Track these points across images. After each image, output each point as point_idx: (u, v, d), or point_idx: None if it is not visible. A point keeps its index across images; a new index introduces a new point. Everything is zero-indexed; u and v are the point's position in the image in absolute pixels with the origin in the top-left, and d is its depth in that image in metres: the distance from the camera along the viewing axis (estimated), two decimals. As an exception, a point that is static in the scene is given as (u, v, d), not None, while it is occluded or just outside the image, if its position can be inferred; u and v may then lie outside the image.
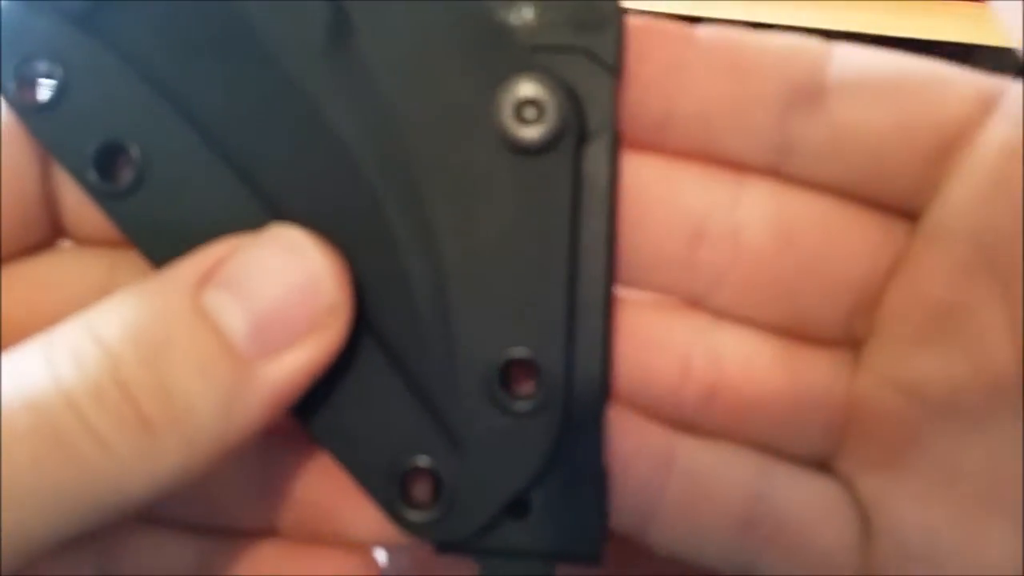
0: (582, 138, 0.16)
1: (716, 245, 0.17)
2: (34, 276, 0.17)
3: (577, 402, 0.16)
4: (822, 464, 0.17)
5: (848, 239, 0.16)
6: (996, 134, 0.15)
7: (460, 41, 0.15)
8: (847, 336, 0.17)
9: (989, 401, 0.15)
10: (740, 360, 0.17)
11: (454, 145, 0.16)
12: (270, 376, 0.14)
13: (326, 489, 0.17)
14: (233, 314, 0.14)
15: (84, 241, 0.17)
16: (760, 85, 0.16)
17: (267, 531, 0.18)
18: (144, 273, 0.16)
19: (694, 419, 0.17)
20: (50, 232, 0.17)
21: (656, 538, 0.17)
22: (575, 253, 0.16)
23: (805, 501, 0.17)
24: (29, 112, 0.16)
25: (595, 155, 0.16)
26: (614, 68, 0.16)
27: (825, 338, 0.17)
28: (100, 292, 0.15)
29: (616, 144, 0.16)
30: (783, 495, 0.17)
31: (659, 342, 0.17)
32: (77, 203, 0.17)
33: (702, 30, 0.16)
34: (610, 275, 0.16)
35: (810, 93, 0.15)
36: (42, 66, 0.16)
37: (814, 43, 0.16)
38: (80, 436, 0.13)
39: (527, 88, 0.15)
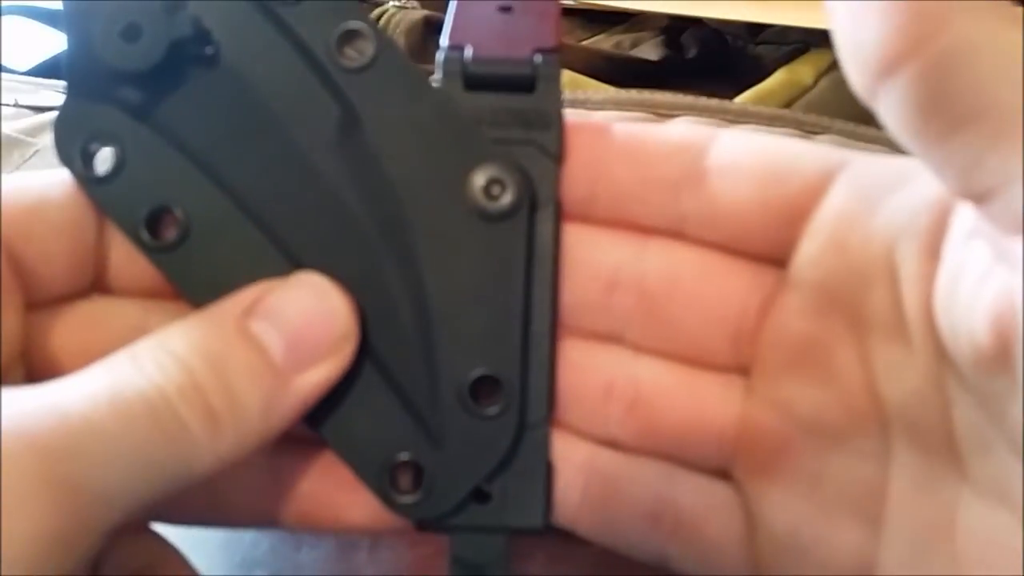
0: (533, 208, 0.20)
1: (626, 291, 0.21)
2: (83, 315, 0.20)
3: (529, 410, 0.20)
4: (723, 472, 0.21)
5: (725, 284, 0.20)
6: (835, 200, 0.19)
7: (442, 134, 0.20)
8: (737, 364, 0.20)
9: (846, 421, 0.19)
10: (651, 384, 0.21)
11: (437, 212, 0.20)
12: (300, 385, 0.18)
13: (325, 483, 0.21)
14: (272, 337, 0.18)
15: (121, 292, 0.21)
16: (658, 170, 0.20)
17: (271, 520, 0.21)
18: (175, 316, 0.19)
19: (617, 434, 0.21)
20: (93, 281, 0.21)
21: (583, 531, 0.21)
22: (528, 295, 0.20)
23: (701, 502, 0.20)
24: (91, 183, 0.20)
25: (543, 221, 0.20)
26: (556, 156, 0.20)
27: (719, 365, 0.21)
28: (138, 332, 0.18)
29: (559, 213, 0.21)
30: (683, 497, 0.20)
31: (587, 369, 0.21)
32: (122, 259, 0.20)
33: (617, 127, 0.21)
34: (555, 312, 0.21)
35: (694, 175, 0.20)
36: (103, 146, 0.20)
37: (702, 132, 0.20)
38: (171, 420, 0.17)
39: (492, 171, 0.20)
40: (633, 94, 0.47)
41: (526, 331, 0.20)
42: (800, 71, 0.48)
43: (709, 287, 0.20)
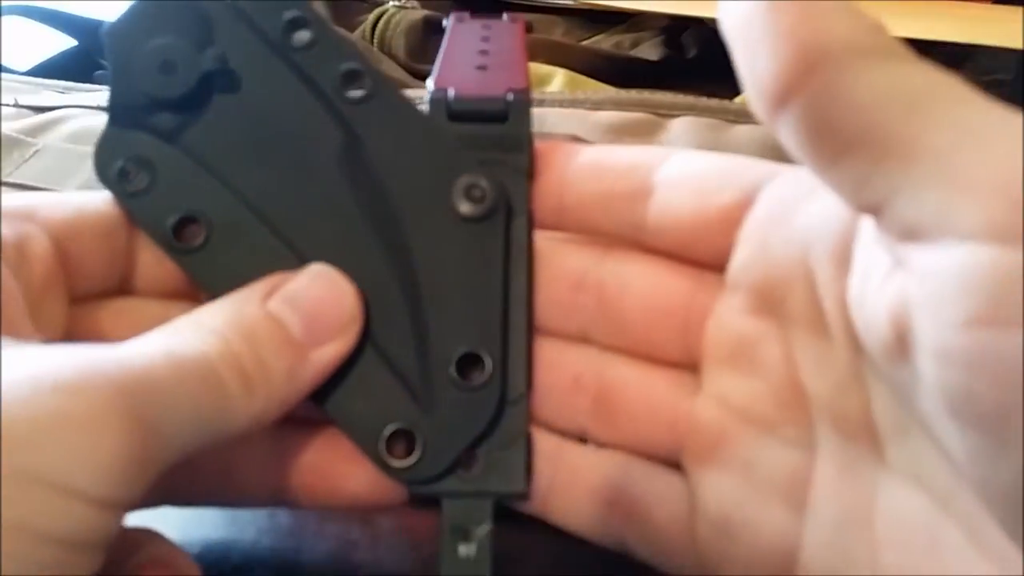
0: (509, 215, 0.23)
1: (589, 293, 0.23)
2: (112, 310, 0.23)
3: (510, 386, 0.23)
4: (674, 463, 0.22)
5: (672, 288, 0.23)
6: (760, 209, 0.21)
7: (430, 152, 0.23)
8: (688, 361, 0.22)
9: (775, 411, 0.20)
10: (614, 378, 0.23)
11: (426, 216, 0.23)
12: (317, 359, 0.21)
13: (326, 457, 0.23)
14: (291, 317, 0.21)
15: (145, 293, 0.24)
16: (616, 184, 0.23)
17: (276, 494, 0.23)
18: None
19: (585, 425, 0.23)
20: (121, 283, 0.23)
21: (551, 516, 0.23)
22: (507, 286, 0.23)
23: (651, 490, 0.22)
24: (125, 196, 0.23)
25: (518, 226, 0.23)
26: (528, 173, 0.24)
27: (672, 362, 0.23)
28: (163, 323, 0.20)
29: (531, 221, 0.24)
30: (636, 486, 0.22)
31: (557, 364, 0.23)
32: (148, 263, 0.23)
33: (584, 148, 0.23)
34: (530, 305, 0.23)
35: (646, 189, 0.22)
36: (133, 166, 0.23)
37: (656, 152, 0.23)
38: (214, 380, 0.19)
39: (472, 179, 0.23)
40: (633, 94, 0.47)
41: (505, 317, 0.23)
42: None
43: (657, 290, 0.23)
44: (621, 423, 0.23)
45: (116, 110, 0.23)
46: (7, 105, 0.39)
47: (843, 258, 0.18)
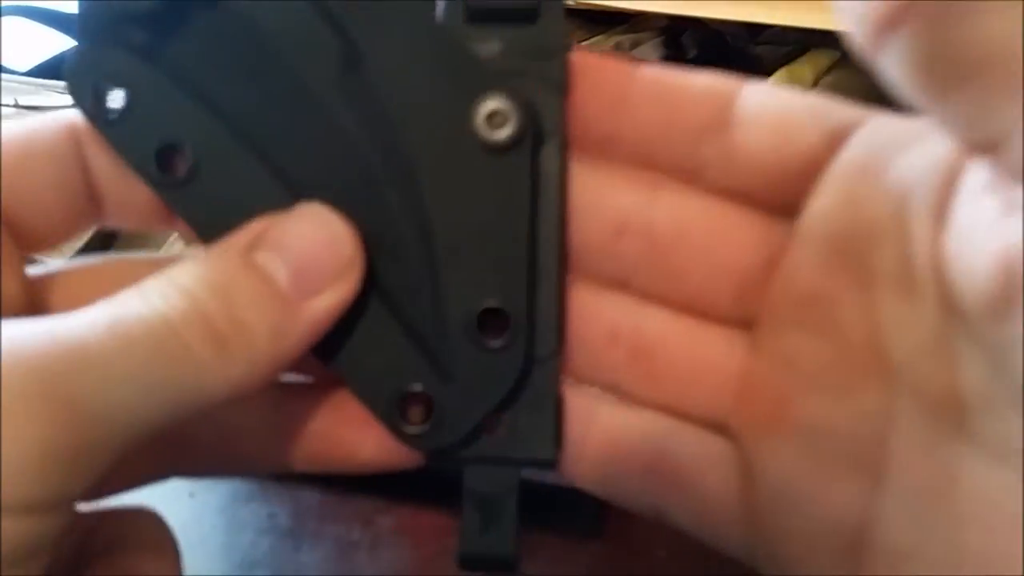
0: (538, 141, 0.20)
1: (635, 237, 0.21)
2: (90, 275, 0.21)
3: (538, 343, 0.20)
4: (720, 426, 0.21)
5: (735, 236, 0.20)
6: (848, 155, 0.19)
7: (444, 67, 0.20)
8: (740, 317, 0.20)
9: (850, 376, 0.19)
10: (655, 332, 0.21)
11: (440, 145, 0.20)
12: (308, 312, 0.19)
13: (334, 422, 0.21)
14: (278, 267, 0.19)
15: (122, 221, 0.22)
16: (684, 114, 0.20)
17: (280, 462, 0.22)
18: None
19: (620, 381, 0.21)
20: (94, 217, 0.21)
21: (582, 481, 0.21)
22: (535, 227, 0.20)
23: (698, 454, 0.20)
24: (102, 123, 0.20)
25: (549, 154, 0.20)
26: (562, 87, 0.20)
27: (722, 318, 0.21)
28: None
29: (565, 146, 0.20)
30: (681, 449, 0.21)
31: (593, 313, 0.21)
32: (116, 191, 0.21)
33: (642, 68, 0.20)
34: (563, 248, 0.20)
35: (719, 122, 0.20)
36: (111, 88, 0.20)
37: (729, 82, 0.20)
38: (176, 345, 0.17)
39: (495, 102, 0.20)
40: (633, 94, 0.47)
41: (533, 265, 0.20)
42: (800, 71, 0.48)
43: (718, 238, 0.20)
44: (662, 381, 0.21)
45: (88, 25, 0.20)
46: (7, 105, 0.39)
47: (941, 212, 0.17)
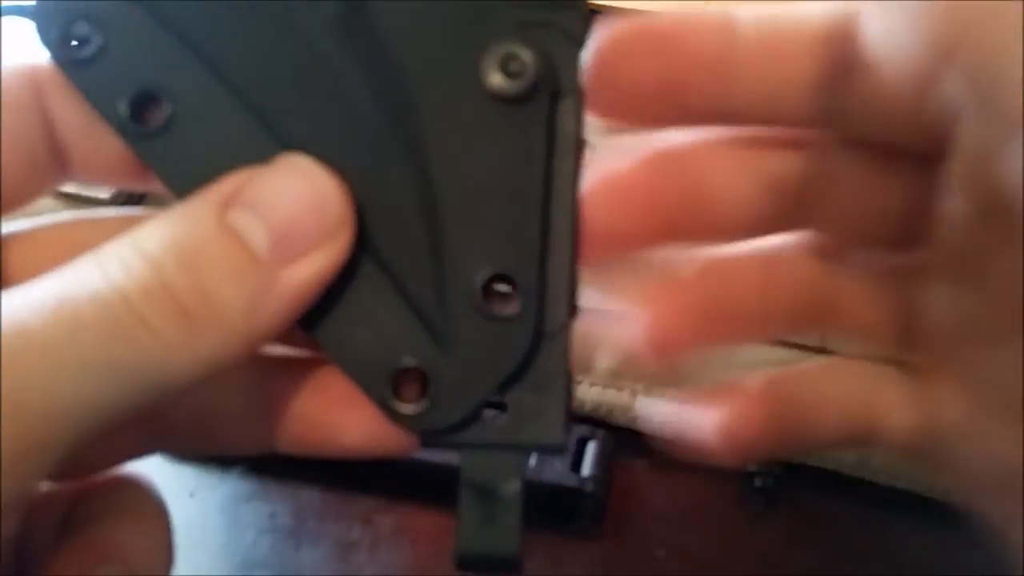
0: (555, 94, 0.18)
1: (785, 198, 0.19)
2: (60, 237, 0.19)
3: (548, 316, 0.18)
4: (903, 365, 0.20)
5: (879, 187, 0.19)
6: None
7: (453, 10, 0.18)
8: (894, 268, 0.20)
9: (1010, 324, 0.17)
10: (833, 286, 0.20)
11: (447, 95, 0.18)
12: (289, 280, 0.17)
13: (319, 404, 0.19)
14: (255, 229, 0.17)
15: (89, 177, 0.20)
16: (797, 71, 0.18)
17: (262, 444, 0.20)
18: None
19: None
20: (59, 173, 0.19)
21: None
22: (548, 188, 0.18)
23: (885, 393, 0.19)
24: (70, 66, 0.18)
25: (566, 109, 0.18)
26: (580, 39, 0.18)
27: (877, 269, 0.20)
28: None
29: (582, 101, 0.18)
30: (881, 395, 0.19)
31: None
32: (82, 144, 0.19)
33: (741, 23, 0.18)
34: (577, 208, 0.18)
35: (839, 73, 0.18)
36: (83, 27, 0.18)
37: (844, 17, 0.18)
38: (134, 324, 0.15)
39: (508, 47, 0.18)
40: (633, 94, 0.47)
41: (545, 229, 0.18)
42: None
43: (863, 190, 0.19)
44: (846, 322, 0.20)
45: None
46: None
47: None
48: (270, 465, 0.30)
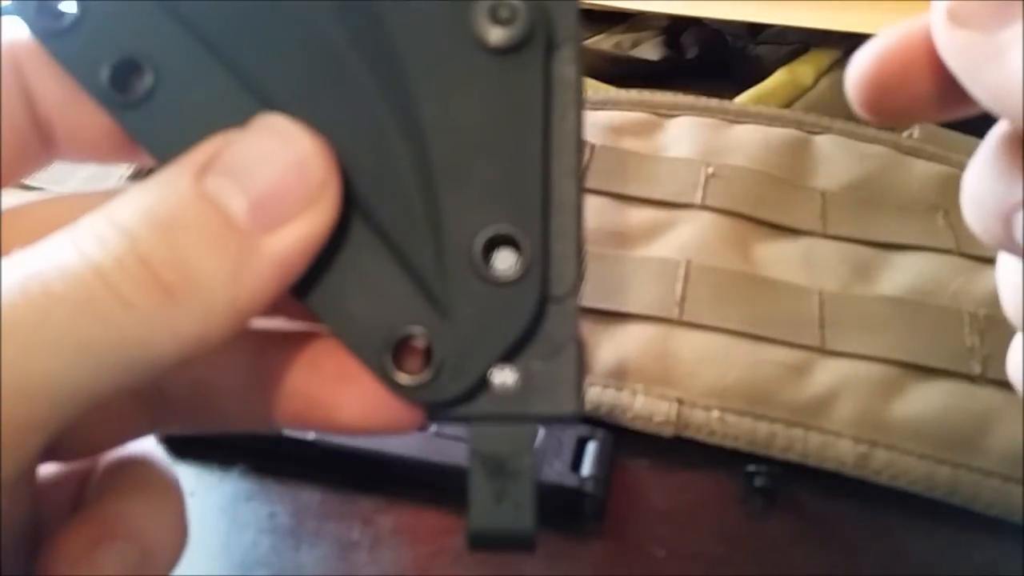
0: (550, 42, 0.18)
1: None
2: (44, 214, 0.19)
3: (553, 278, 0.18)
4: None
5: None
6: None
7: None
8: None
9: None
10: None
11: (436, 46, 0.17)
12: (272, 248, 0.16)
13: (315, 380, 0.18)
14: (233, 196, 0.16)
15: (77, 154, 0.19)
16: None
17: (260, 422, 0.19)
18: None
19: None
20: (44, 152, 0.19)
21: None
22: (548, 142, 0.18)
23: None
24: (48, 36, 0.17)
25: (563, 58, 0.18)
26: None
27: None
28: None
29: (580, 53, 0.18)
30: None
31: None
32: (67, 119, 0.18)
33: (934, 28, 0.17)
34: (580, 164, 0.18)
35: None
36: None
37: None
38: (108, 298, 0.15)
39: None
40: (633, 94, 0.47)
41: (546, 183, 0.18)
42: (800, 71, 0.48)
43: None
44: None
45: None
46: (7, 105, 0.39)
47: None
48: (270, 465, 0.30)
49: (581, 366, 0.18)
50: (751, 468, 0.30)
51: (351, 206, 0.17)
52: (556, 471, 0.29)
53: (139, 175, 0.38)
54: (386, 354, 0.17)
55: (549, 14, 0.18)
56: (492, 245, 0.17)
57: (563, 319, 0.18)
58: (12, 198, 0.19)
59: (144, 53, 0.17)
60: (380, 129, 0.18)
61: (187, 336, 0.15)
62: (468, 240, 0.17)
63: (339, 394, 0.18)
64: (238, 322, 0.16)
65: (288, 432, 0.27)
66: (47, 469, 0.19)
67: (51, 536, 0.17)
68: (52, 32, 0.17)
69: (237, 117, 0.17)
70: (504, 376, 0.18)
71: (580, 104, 0.18)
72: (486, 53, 0.17)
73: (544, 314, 0.18)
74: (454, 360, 0.17)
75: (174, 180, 0.16)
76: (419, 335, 0.17)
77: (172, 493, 0.19)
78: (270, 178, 0.16)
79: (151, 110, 0.17)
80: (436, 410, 0.18)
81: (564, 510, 0.28)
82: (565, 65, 0.18)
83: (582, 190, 0.18)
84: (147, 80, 0.17)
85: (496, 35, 0.17)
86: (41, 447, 0.15)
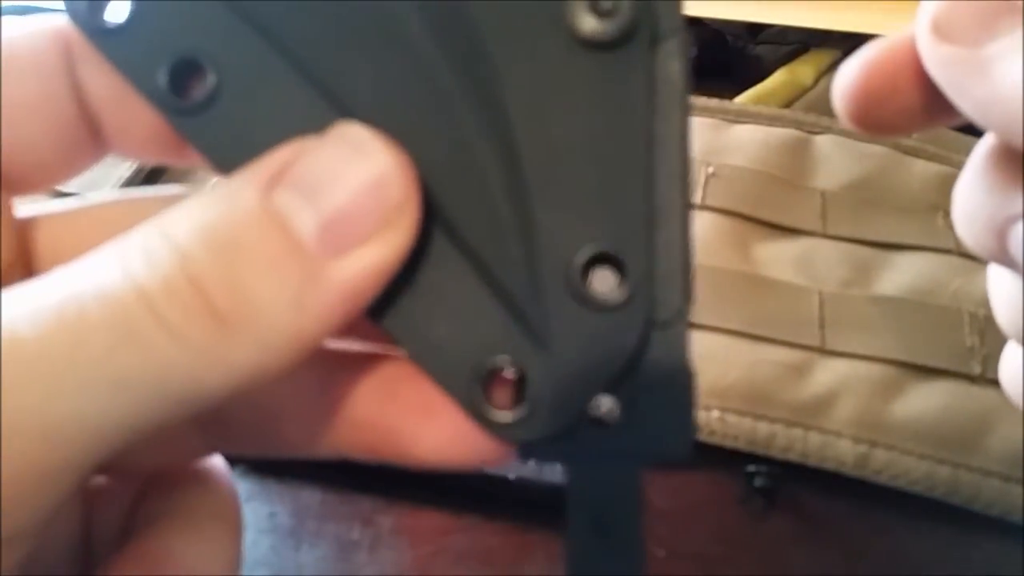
0: (654, 36, 0.16)
1: None
2: (98, 216, 0.18)
3: (661, 299, 0.16)
4: None
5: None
6: None
7: None
8: None
9: None
10: None
11: (528, 44, 0.16)
12: (341, 274, 0.14)
13: (391, 410, 0.17)
14: (302, 214, 0.14)
15: (127, 152, 0.18)
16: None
17: (332, 450, 0.18)
18: None
19: None
20: (92, 149, 0.17)
21: None
22: (652, 149, 0.16)
23: None
24: (99, 34, 0.16)
25: (667, 54, 0.16)
26: None
27: None
28: None
29: (686, 47, 0.16)
30: None
31: None
32: (116, 115, 0.17)
33: (919, 42, 0.18)
34: (687, 172, 0.16)
35: None
36: None
37: None
38: (152, 327, 0.13)
39: None
40: (633, 94, 0.47)
41: (650, 195, 0.16)
42: (800, 71, 0.48)
43: None
44: None
45: None
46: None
47: None
48: (270, 465, 0.30)
49: (692, 401, 0.16)
50: (751, 468, 0.30)
51: (433, 220, 0.16)
52: (556, 471, 0.29)
53: (139, 175, 0.38)
54: (476, 386, 0.16)
55: (651, 4, 0.16)
56: (591, 264, 0.16)
57: (671, 347, 0.16)
58: (47, 206, 0.18)
59: (205, 52, 0.16)
60: (466, 135, 0.16)
61: (242, 369, 0.14)
62: (565, 259, 0.16)
63: (418, 426, 0.16)
64: (300, 353, 0.14)
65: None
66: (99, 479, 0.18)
67: (108, 562, 0.16)
68: (104, 30, 0.16)
69: (308, 125, 0.15)
70: (605, 411, 0.16)
71: (686, 105, 0.16)
72: (584, 50, 0.16)
73: (650, 341, 0.16)
74: (551, 394, 0.16)
75: (238, 192, 0.14)
76: (510, 365, 0.16)
77: (226, 522, 0.18)
78: (344, 196, 0.14)
79: (213, 115, 0.16)
80: (530, 448, 0.16)
81: (564, 510, 0.28)
82: (669, 61, 0.16)
83: (689, 202, 0.16)
84: (209, 82, 0.16)
85: (596, 29, 0.15)
86: (79, 482, 0.14)
